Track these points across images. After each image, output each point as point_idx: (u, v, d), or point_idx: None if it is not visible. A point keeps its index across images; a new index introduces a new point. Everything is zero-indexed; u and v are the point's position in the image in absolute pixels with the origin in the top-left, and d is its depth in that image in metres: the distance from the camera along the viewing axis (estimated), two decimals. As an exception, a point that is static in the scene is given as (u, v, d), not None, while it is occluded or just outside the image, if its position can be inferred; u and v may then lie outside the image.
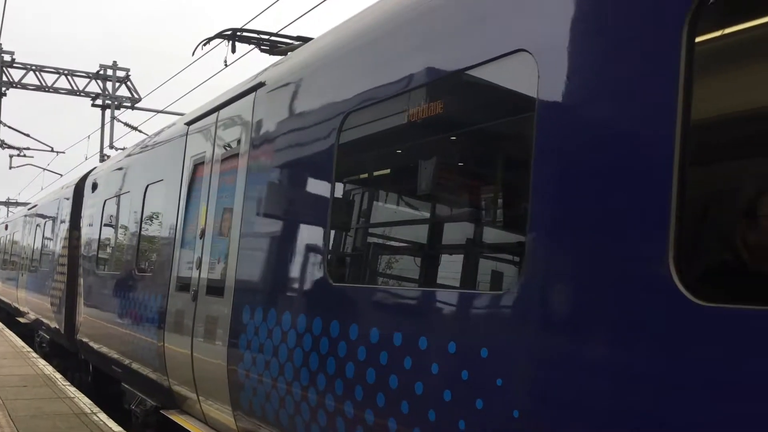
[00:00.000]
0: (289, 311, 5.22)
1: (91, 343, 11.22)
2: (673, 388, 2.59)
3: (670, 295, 2.63)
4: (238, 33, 8.06)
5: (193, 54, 9.41)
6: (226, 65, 10.76)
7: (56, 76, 26.24)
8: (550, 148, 3.27)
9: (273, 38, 8.05)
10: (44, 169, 33.12)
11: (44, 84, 26.08)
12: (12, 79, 25.84)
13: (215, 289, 6.61)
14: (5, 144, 27.33)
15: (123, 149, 16.41)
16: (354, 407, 4.35)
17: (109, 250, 11.18)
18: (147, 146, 10.21)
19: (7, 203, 57.12)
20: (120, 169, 11.22)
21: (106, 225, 11.45)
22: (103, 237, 11.53)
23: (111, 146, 24.20)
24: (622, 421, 2.80)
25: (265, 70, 6.71)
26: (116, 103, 26.14)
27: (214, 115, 7.34)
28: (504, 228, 3.95)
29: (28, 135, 29.02)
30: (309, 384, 4.80)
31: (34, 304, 17.66)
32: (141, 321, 8.54)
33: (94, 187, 12.61)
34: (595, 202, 3.03)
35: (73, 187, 14.66)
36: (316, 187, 5.17)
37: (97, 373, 12.05)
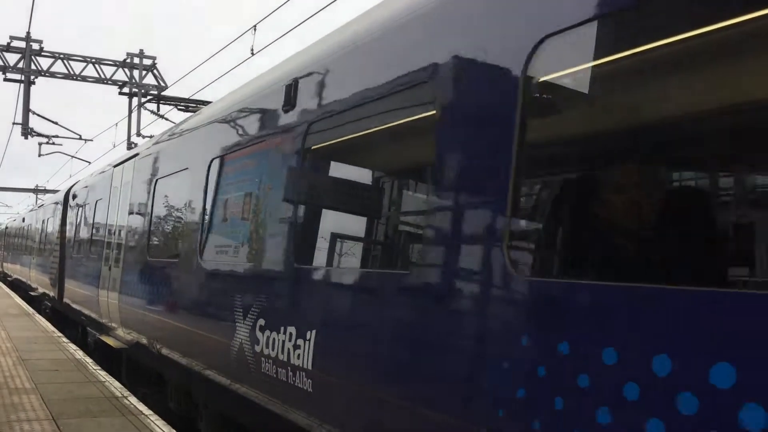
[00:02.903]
0: (133, 270, 10.72)
1: (71, 303, 16.57)
2: None
3: None
4: (162, 98, 13.56)
5: (129, 113, 14.34)
6: (252, 54, 10.85)
7: (84, 64, 26.51)
8: None
9: (185, 103, 12.60)
10: (72, 157, 33.47)
11: (72, 72, 26.35)
12: (40, 67, 26.13)
13: (117, 261, 11.80)
14: (34, 132, 27.63)
15: (150, 137, 17.19)
16: (157, 314, 9.17)
17: (78, 240, 16.36)
18: (99, 174, 15.35)
19: (36, 190, 57.90)
20: (86, 187, 16.57)
21: (78, 223, 16.80)
22: (76, 231, 16.89)
23: (138, 134, 24.41)
24: None
25: (142, 145, 12.38)
26: (143, 91, 26.35)
27: (122, 165, 12.65)
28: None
29: (56, 123, 29.34)
30: (141, 304, 9.98)
31: (40, 281, 23.30)
32: (91, 284, 13.69)
33: (74, 197, 17.93)
34: None
35: (63, 194, 20.35)
36: (146, 208, 10.44)
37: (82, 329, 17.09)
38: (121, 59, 26.80)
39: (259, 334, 5.87)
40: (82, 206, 16.43)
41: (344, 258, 5.47)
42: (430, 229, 4.06)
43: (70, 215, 18.18)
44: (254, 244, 6.35)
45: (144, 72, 26.62)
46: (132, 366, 11.43)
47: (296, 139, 5.66)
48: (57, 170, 65.75)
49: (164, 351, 8.80)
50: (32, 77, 25.84)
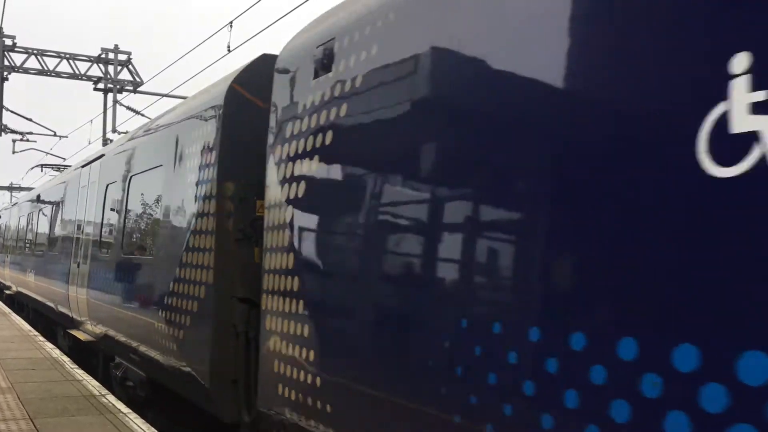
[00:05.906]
0: (22, 258, 21.61)
1: (11, 285, 25.53)
2: None
3: None
4: (45, 165, 29.17)
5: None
6: (229, 50, 10.86)
7: (58, 60, 26.21)
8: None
9: (62, 166, 22.63)
10: (47, 154, 33.16)
11: (46, 68, 26.06)
12: (14, 63, 25.82)
13: (17, 253, 23.05)
14: (8, 129, 27.30)
15: (125, 132, 17.37)
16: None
17: (9, 243, 25.75)
18: (17, 202, 24.87)
19: (11, 188, 57.18)
20: (10, 210, 26.97)
21: (4, 233, 27.69)
22: (7, 238, 26.52)
23: (114, 130, 24.23)
24: None
25: (22, 197, 26.14)
26: (118, 86, 26.13)
27: (11, 207, 26.58)
28: None
29: (30, 119, 29.08)
30: (24, 275, 20.34)
31: None
32: (22, 271, 21.06)
33: (1, 217, 29.61)
34: None
35: None
36: (21, 233, 23.09)
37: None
38: (96, 54, 26.55)
39: (31, 276, 18.02)
40: (7, 222, 27.68)
41: (43, 248, 17.01)
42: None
43: (1, 228, 29.55)
44: (35, 243, 18.77)
45: (119, 67, 26.39)
46: (36, 313, 20.39)
47: (40, 211, 18.39)
48: (31, 167, 65.09)
49: (33, 296, 18.13)
50: (5, 73, 25.54)
